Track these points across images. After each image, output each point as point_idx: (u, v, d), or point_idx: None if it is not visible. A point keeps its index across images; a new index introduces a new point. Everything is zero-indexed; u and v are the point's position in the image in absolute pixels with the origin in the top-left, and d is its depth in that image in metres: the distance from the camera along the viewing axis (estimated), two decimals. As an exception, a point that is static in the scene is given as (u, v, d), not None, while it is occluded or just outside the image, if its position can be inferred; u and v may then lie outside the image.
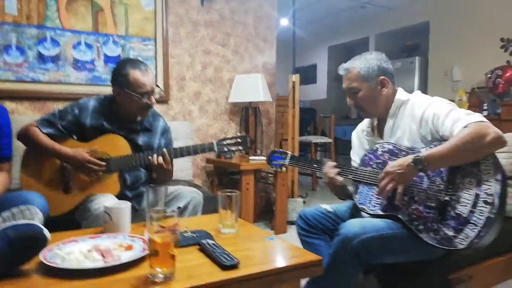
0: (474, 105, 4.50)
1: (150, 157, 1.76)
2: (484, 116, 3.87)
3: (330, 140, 5.35)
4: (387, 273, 1.61)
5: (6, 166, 1.66)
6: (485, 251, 1.59)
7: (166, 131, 2.02)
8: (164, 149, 1.79)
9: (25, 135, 1.80)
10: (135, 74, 1.78)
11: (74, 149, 1.77)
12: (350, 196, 1.65)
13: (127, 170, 1.86)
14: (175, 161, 1.88)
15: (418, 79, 5.71)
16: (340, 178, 1.59)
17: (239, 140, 1.84)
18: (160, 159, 1.76)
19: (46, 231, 1.04)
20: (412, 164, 1.35)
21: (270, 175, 3.55)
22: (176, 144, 2.05)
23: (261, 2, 3.59)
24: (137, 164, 1.80)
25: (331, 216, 1.70)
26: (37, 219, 1.14)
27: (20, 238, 1.00)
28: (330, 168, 1.61)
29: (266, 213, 3.64)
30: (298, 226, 1.72)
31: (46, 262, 1.04)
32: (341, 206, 1.77)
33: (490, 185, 1.30)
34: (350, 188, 1.65)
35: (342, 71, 1.65)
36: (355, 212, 1.72)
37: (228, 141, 1.83)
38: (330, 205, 1.77)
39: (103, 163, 1.77)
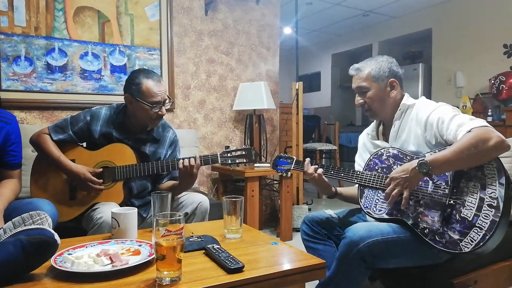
0: (478, 111, 4.50)
1: (179, 162, 1.78)
2: (489, 122, 3.86)
3: (335, 147, 5.36)
4: (393, 279, 1.62)
5: (16, 173, 1.69)
6: (491, 256, 1.59)
7: (174, 143, 2.03)
8: (197, 154, 1.81)
9: (36, 141, 1.86)
10: (148, 83, 1.79)
11: (78, 166, 1.80)
12: (333, 195, 1.73)
13: (132, 179, 1.89)
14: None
15: (422, 85, 5.73)
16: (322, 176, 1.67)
17: (243, 152, 1.83)
18: (191, 161, 1.77)
19: (57, 236, 1.06)
20: (416, 168, 1.37)
21: (275, 182, 3.57)
22: (183, 152, 2.08)
23: (264, 11, 3.64)
24: (140, 173, 1.82)
25: (336, 221, 1.72)
26: (47, 225, 1.17)
27: (32, 243, 1.02)
28: (309, 166, 1.68)
29: (271, 220, 3.65)
30: (303, 232, 1.74)
31: (56, 266, 1.07)
32: (346, 211, 1.79)
33: (494, 189, 1.32)
34: (334, 188, 1.72)
35: (353, 71, 1.68)
36: (360, 217, 1.74)
37: (232, 153, 1.83)
38: (334, 211, 1.79)
39: (101, 181, 1.80)
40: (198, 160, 1.79)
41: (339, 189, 1.76)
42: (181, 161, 1.78)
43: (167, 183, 1.99)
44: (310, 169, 1.67)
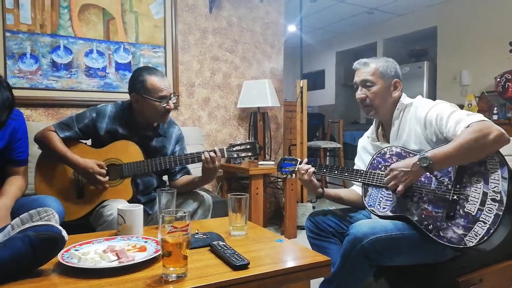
0: (484, 110, 4.47)
1: (202, 154, 1.81)
2: (494, 120, 3.82)
3: (339, 145, 5.34)
4: (398, 277, 1.62)
5: (22, 169, 1.69)
6: (496, 255, 1.59)
7: (180, 139, 2.05)
8: (216, 148, 1.83)
9: (41, 139, 1.85)
10: (153, 79, 1.81)
11: (86, 159, 1.79)
12: (320, 195, 1.75)
13: (139, 175, 1.89)
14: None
15: (427, 83, 5.68)
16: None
17: (248, 146, 1.87)
18: (212, 153, 1.80)
19: (64, 232, 1.07)
20: (417, 163, 1.37)
21: (279, 180, 3.57)
22: (187, 150, 2.09)
23: (268, 9, 3.63)
24: (148, 170, 1.83)
25: (340, 219, 1.72)
26: (54, 221, 1.17)
27: (40, 239, 1.03)
28: (305, 165, 1.71)
29: (275, 218, 3.66)
30: (307, 229, 1.74)
31: (63, 262, 1.07)
32: (351, 209, 1.79)
33: (497, 183, 1.33)
34: (321, 190, 1.74)
35: (359, 65, 1.67)
36: (365, 214, 1.74)
37: (238, 147, 1.86)
38: (338, 208, 1.79)
39: (107, 178, 1.79)
40: (218, 153, 1.81)
41: (326, 190, 1.77)
42: (205, 153, 1.81)
43: (182, 179, 2.00)
44: (305, 166, 1.70)
